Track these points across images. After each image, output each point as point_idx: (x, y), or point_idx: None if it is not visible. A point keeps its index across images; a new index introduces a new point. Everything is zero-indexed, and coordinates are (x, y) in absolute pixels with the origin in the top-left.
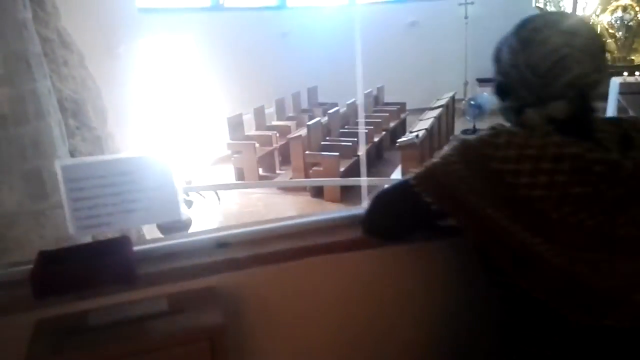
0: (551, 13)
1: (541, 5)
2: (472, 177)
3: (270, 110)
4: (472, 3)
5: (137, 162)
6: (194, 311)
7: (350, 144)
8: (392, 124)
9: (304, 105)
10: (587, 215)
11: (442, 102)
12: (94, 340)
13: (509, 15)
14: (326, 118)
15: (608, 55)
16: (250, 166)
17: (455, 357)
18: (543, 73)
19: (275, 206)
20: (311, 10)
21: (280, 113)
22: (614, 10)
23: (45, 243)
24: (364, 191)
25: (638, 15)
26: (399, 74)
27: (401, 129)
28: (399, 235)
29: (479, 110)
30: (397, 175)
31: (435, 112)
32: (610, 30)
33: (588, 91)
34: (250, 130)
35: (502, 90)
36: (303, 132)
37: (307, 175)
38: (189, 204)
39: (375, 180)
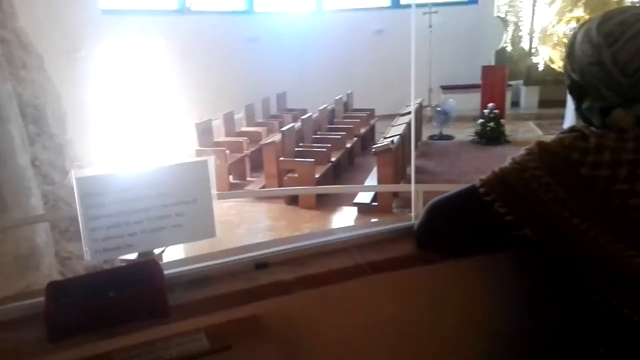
0: (637, 7)
1: (502, 15)
2: (557, 184)
3: (239, 115)
4: (435, 12)
5: (168, 171)
6: (242, 347)
7: (325, 150)
8: (362, 130)
9: (273, 111)
10: None
11: (411, 108)
12: None
13: (470, 25)
14: (299, 124)
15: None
16: (220, 173)
17: None
18: (633, 72)
19: (249, 215)
20: (279, 15)
21: (250, 119)
22: (569, 22)
23: (4, 262)
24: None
25: None
26: (365, 80)
27: (370, 135)
28: (460, 249)
29: (445, 116)
30: (372, 180)
31: (407, 118)
32: (564, 40)
33: None
34: (220, 136)
35: (578, 90)
36: (275, 138)
37: (280, 182)
38: None
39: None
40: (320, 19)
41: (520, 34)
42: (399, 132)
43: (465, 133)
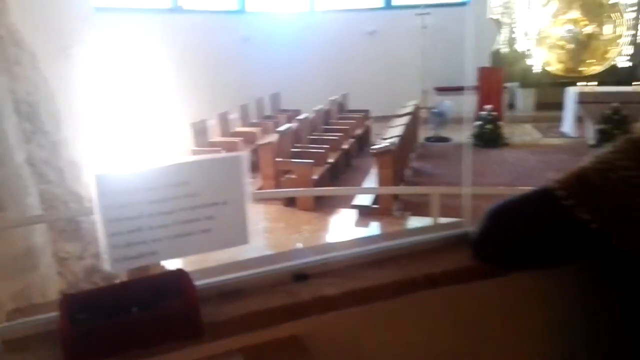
0: None
1: (495, 17)
2: None
3: (233, 116)
4: (428, 14)
5: (198, 168)
6: None
7: (322, 150)
8: (357, 131)
9: (267, 111)
10: None
11: (408, 109)
12: None
13: (463, 26)
14: (296, 124)
15: (560, 66)
16: None
17: None
18: None
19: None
20: (271, 15)
21: (244, 119)
22: (564, 23)
23: (1, 263)
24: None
25: (583, 30)
26: (359, 81)
27: (366, 136)
28: (526, 261)
29: (441, 118)
30: (370, 182)
31: (405, 119)
32: (560, 43)
33: None
34: (215, 136)
35: None
36: (271, 138)
37: (277, 183)
38: None
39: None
40: (313, 20)
41: (514, 35)
42: (398, 133)
43: (461, 135)
